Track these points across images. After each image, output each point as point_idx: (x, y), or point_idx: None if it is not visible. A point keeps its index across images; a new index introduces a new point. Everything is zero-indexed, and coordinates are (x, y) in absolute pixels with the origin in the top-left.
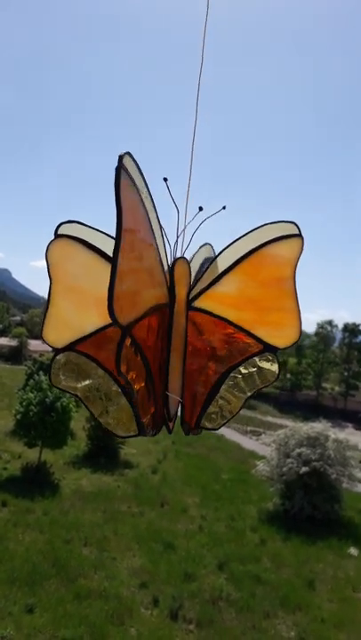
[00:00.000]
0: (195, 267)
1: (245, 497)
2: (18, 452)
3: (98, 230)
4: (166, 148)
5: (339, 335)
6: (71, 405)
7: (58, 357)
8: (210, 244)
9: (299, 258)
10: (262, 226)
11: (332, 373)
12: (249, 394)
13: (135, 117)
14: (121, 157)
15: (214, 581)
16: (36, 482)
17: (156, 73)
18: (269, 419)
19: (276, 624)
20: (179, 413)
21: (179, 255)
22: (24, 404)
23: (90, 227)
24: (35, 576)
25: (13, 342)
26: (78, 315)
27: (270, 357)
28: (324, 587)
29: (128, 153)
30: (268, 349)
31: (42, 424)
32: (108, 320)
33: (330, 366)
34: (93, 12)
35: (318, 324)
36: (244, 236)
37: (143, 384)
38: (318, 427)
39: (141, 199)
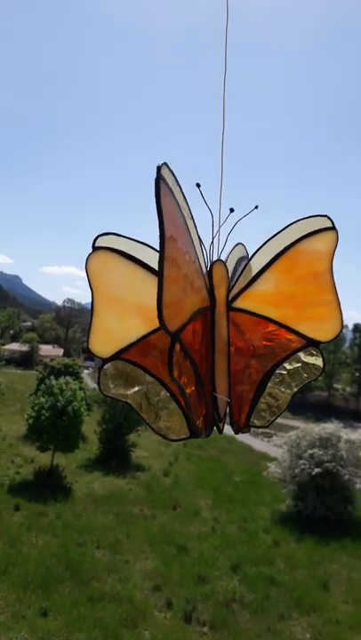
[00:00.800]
0: (229, 266)
1: (258, 499)
2: (30, 457)
3: (133, 240)
4: (192, 150)
5: (349, 335)
6: (82, 409)
7: (105, 367)
8: (242, 244)
9: (334, 251)
10: (295, 222)
11: (343, 374)
12: (295, 389)
13: (153, 121)
14: (159, 168)
15: (228, 583)
16: (48, 485)
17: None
18: (280, 420)
19: (290, 626)
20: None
21: (215, 258)
22: (36, 408)
23: (125, 237)
24: (48, 579)
25: (24, 347)
26: (121, 324)
27: (314, 352)
28: (338, 588)
29: (165, 164)
30: (310, 344)
31: (53, 428)
32: (152, 327)
33: (341, 367)
34: (99, 12)
35: None
36: (277, 233)
37: (194, 387)
38: (330, 427)
39: (179, 207)
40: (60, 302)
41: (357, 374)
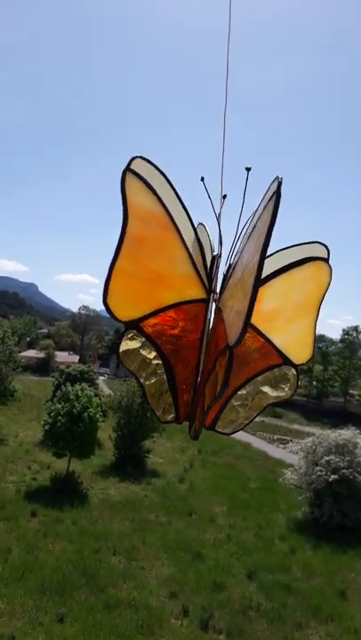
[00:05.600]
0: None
1: (273, 505)
2: (47, 463)
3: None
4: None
5: None
6: (98, 415)
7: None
8: (325, 245)
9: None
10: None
11: (359, 380)
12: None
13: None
14: (130, 161)
15: (244, 591)
16: (64, 492)
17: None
18: (296, 427)
19: (308, 635)
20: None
21: (217, 251)
22: (52, 414)
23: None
24: (65, 586)
25: (41, 354)
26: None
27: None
28: (356, 596)
29: (140, 156)
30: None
31: (70, 434)
32: (178, 299)
33: (357, 373)
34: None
35: (344, 331)
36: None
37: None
38: (346, 434)
39: (161, 202)
40: (75, 309)
41: None
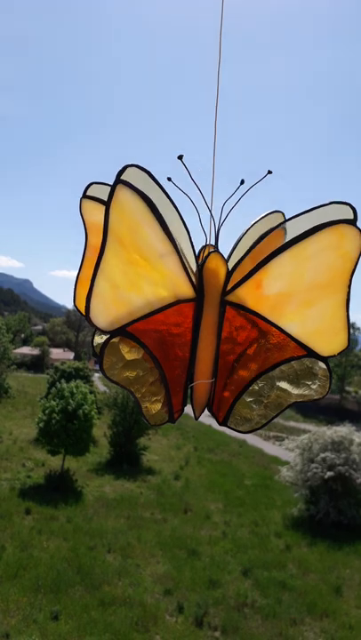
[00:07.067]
0: (254, 236)
1: (269, 503)
2: (41, 460)
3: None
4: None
5: None
6: (93, 412)
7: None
8: (280, 212)
9: (358, 255)
10: (318, 207)
11: (355, 377)
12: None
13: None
14: (121, 172)
15: (239, 588)
16: (59, 489)
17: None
18: (292, 424)
19: (303, 631)
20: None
21: (215, 242)
22: (46, 412)
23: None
24: (59, 583)
25: (35, 351)
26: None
27: (316, 368)
28: (351, 593)
29: (132, 165)
30: (311, 355)
31: (64, 432)
32: (162, 302)
33: (353, 369)
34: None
35: None
36: (297, 216)
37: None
38: (343, 430)
39: (152, 209)
40: (70, 306)
41: None
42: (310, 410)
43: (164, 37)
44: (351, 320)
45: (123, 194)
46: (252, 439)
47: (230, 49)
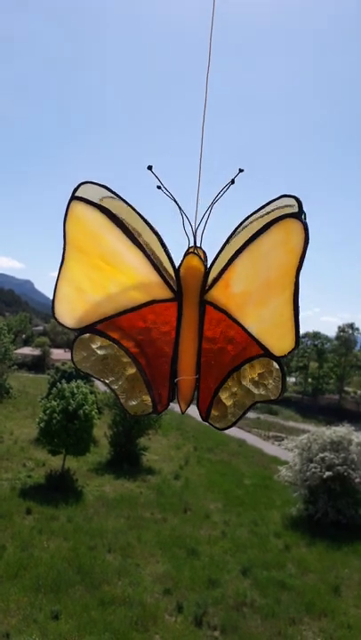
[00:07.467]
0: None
1: (268, 502)
2: (42, 460)
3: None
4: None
5: (360, 338)
6: (93, 412)
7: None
8: (295, 197)
9: (302, 250)
10: (272, 202)
11: (354, 377)
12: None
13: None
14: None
15: (238, 587)
16: (60, 489)
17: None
18: (291, 424)
19: (301, 630)
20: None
21: (193, 243)
22: (47, 412)
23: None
24: (59, 583)
25: (36, 352)
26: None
27: (271, 369)
28: (350, 592)
29: (87, 182)
30: (267, 355)
31: (65, 432)
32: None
33: (352, 370)
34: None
35: (339, 328)
36: (255, 212)
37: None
38: (341, 430)
39: (111, 218)
40: None
41: None
42: (310, 410)
43: (165, 38)
44: (351, 320)
45: (78, 208)
46: (251, 439)
47: (231, 48)
